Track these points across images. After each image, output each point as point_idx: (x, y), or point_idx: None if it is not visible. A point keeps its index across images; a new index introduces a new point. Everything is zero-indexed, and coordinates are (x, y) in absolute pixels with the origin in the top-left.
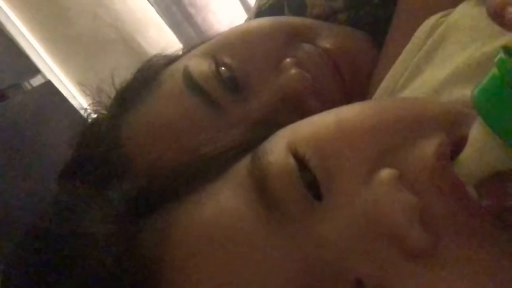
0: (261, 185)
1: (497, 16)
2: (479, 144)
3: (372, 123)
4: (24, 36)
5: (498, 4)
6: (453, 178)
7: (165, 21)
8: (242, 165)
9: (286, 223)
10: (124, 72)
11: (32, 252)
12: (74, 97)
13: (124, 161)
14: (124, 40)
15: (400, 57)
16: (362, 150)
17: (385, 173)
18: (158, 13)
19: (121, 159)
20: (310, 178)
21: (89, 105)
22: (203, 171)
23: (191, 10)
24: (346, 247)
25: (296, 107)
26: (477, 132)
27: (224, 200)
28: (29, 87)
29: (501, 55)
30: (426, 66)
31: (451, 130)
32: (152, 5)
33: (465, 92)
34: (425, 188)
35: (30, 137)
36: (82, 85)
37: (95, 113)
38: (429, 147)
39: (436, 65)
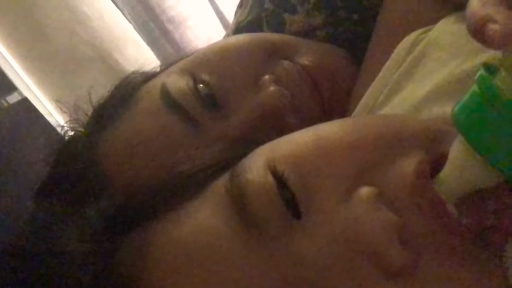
0: (240, 203)
1: (477, 33)
2: (459, 161)
3: (351, 141)
4: (0, 53)
5: (478, 21)
6: (433, 196)
7: (142, 38)
8: (220, 183)
9: (265, 241)
10: (101, 89)
11: (8, 271)
12: (51, 114)
13: (101, 179)
14: (102, 57)
15: (380, 74)
16: (341, 167)
17: (364, 191)
18: (135, 29)
19: (98, 176)
20: (289, 196)
21: (66, 122)
22: (181, 189)
23: (169, 27)
24: (325, 265)
25: (275, 125)
26: (457, 149)
27: (202, 218)
28: (5, 104)
29: (482, 72)
30: (406, 83)
31: (431, 147)
32: (129, 22)
33: (445, 109)
34: (405, 206)
35: (6, 155)
36: (59, 102)
37: (72, 130)
38: (409, 165)
39: (416, 82)
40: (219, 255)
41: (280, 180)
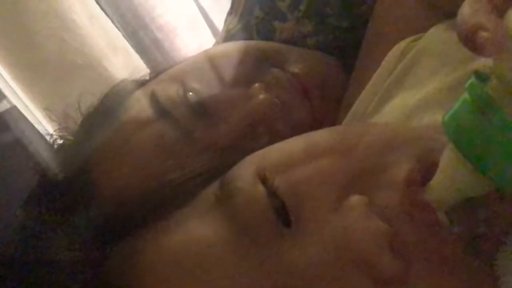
0: (230, 212)
1: (468, 41)
2: (450, 170)
3: (342, 149)
4: None
5: (469, 29)
6: (424, 204)
7: (132, 46)
8: (211, 191)
9: (255, 249)
10: (90, 97)
11: None
12: (40, 122)
13: (90, 187)
14: (91, 65)
15: (371, 82)
16: (331, 176)
17: (355, 200)
18: (125, 37)
19: (87, 185)
20: (279, 205)
21: (55, 130)
22: (171, 197)
23: (159, 35)
24: (315, 274)
25: (265, 133)
26: (448, 158)
27: (193, 226)
28: None
29: (473, 80)
30: (396, 91)
31: (422, 156)
32: (119, 30)
33: (436, 118)
34: (396, 215)
35: None
36: (48, 111)
37: (61, 138)
38: (399, 173)
39: (407, 90)
40: (209, 264)
41: (270, 189)
